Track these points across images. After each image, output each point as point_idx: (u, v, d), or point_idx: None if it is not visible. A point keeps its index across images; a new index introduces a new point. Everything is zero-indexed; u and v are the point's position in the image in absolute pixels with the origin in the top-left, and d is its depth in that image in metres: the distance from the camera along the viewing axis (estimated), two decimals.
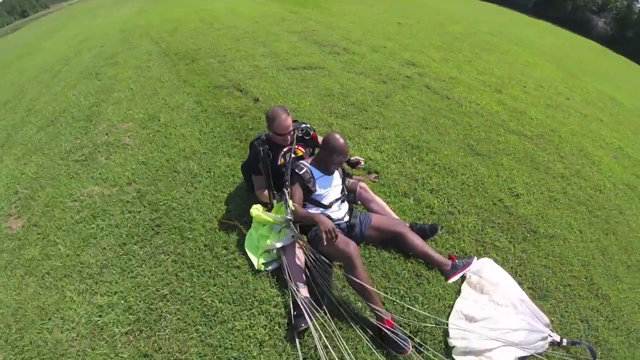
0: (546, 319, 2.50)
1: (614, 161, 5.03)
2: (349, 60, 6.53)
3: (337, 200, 2.63)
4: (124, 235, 2.77)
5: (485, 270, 2.64)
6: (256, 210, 2.52)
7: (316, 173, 2.59)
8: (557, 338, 2.44)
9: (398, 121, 4.56)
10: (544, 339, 2.38)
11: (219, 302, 2.34)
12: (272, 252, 2.50)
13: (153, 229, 2.82)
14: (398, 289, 2.49)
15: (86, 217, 2.94)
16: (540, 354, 2.33)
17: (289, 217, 2.36)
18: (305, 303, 2.16)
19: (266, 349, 2.14)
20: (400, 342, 2.09)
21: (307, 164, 2.59)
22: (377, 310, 2.17)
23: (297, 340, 2.13)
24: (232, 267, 2.55)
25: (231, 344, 2.15)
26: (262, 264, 2.49)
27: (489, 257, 2.81)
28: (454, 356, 2.19)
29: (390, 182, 3.42)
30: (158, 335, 2.19)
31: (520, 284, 2.68)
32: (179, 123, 4.33)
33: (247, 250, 2.56)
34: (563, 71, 9.95)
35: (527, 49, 11.43)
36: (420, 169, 3.66)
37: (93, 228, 2.85)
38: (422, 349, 2.17)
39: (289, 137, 2.62)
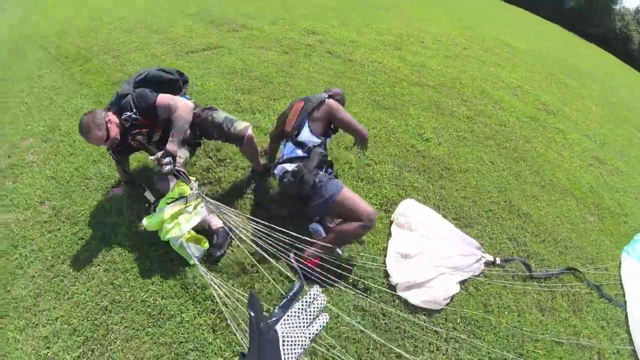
0: (476, 243, 3.14)
1: (514, 98, 6.24)
2: (249, 36, 7.23)
3: None
4: (49, 258, 3.03)
5: (409, 210, 3.20)
6: (156, 219, 2.75)
7: None
8: (491, 258, 3.10)
9: (305, 88, 5.22)
10: (478, 260, 3.00)
11: (162, 299, 2.65)
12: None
13: (77, 243, 3.10)
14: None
15: (7, 249, 3.17)
16: (478, 275, 2.93)
17: (196, 192, 2.74)
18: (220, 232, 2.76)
19: (220, 332, 2.46)
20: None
21: None
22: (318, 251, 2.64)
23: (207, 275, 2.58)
24: (166, 261, 2.85)
25: (185, 337, 2.46)
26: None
27: (410, 198, 3.37)
28: (398, 292, 2.65)
29: None
30: (110, 349, 2.43)
31: (444, 217, 3.30)
32: None
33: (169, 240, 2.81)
34: (459, 24, 11.67)
35: (422, 6, 13.14)
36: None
37: (17, 258, 3.08)
38: (368, 293, 2.65)
39: (109, 142, 2.80)
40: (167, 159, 2.60)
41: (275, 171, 2.87)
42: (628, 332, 2.97)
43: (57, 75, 6.38)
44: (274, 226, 2.52)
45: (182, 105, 2.79)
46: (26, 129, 4.84)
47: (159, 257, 2.85)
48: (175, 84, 3.16)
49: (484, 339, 2.60)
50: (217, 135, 3.00)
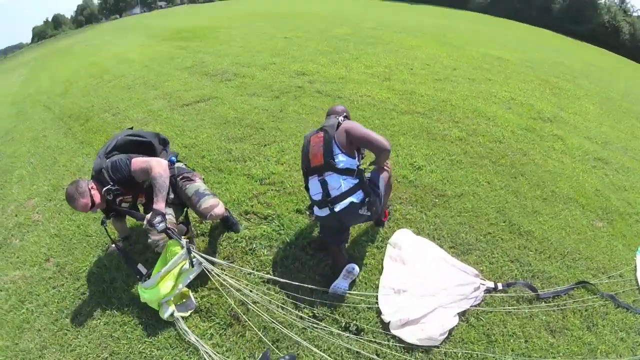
0: (474, 270, 3.01)
1: (508, 112, 6.17)
2: (241, 84, 7.51)
3: None
4: (54, 312, 3.16)
5: (402, 241, 3.12)
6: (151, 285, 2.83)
7: None
8: (491, 284, 2.95)
9: (295, 131, 5.30)
10: (477, 289, 2.86)
11: (157, 350, 2.71)
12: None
13: (79, 298, 3.24)
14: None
15: (15, 304, 3.33)
16: (478, 304, 2.77)
17: (189, 248, 2.81)
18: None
19: None
20: None
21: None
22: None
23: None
24: None
25: None
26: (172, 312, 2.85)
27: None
28: (392, 331, 2.53)
29: (296, 189, 3.96)
30: None
31: (440, 246, 3.18)
32: None
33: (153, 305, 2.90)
34: (446, 46, 11.70)
35: (410, 34, 13.28)
36: None
37: (24, 313, 3.23)
38: (361, 335, 2.57)
39: (95, 208, 2.89)
40: (157, 218, 2.63)
41: (337, 208, 2.74)
42: None
43: (61, 135, 6.71)
44: (268, 275, 2.50)
45: (156, 164, 2.80)
46: (32, 188, 5.12)
47: (154, 310, 2.91)
48: (150, 146, 3.17)
49: None
50: (189, 205, 3.07)
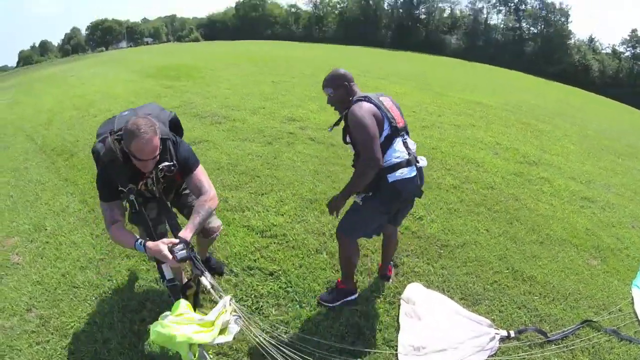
0: (487, 321, 3.03)
1: (495, 157, 6.38)
2: (232, 128, 7.39)
3: None
4: None
5: (416, 297, 3.13)
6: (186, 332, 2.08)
7: None
8: (505, 333, 2.98)
9: (292, 179, 5.25)
10: (492, 339, 2.88)
11: None
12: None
13: (68, 359, 2.82)
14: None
15: None
16: (495, 353, 2.79)
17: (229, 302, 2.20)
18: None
19: None
20: None
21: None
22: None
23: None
24: None
25: None
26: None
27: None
28: None
29: (300, 243, 3.88)
30: None
31: (451, 297, 3.21)
32: (67, 229, 4.39)
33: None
34: (429, 92, 12.15)
35: (393, 81, 13.77)
36: (324, 222, 4.23)
37: None
38: None
39: (150, 163, 2.26)
40: (180, 246, 2.21)
41: (421, 163, 2.75)
42: None
43: (43, 168, 6.26)
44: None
45: (214, 195, 2.43)
46: (11, 225, 4.63)
47: None
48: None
49: None
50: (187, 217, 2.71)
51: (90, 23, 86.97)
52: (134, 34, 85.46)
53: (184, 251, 2.20)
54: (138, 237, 2.29)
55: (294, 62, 17.92)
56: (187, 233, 2.24)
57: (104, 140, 2.34)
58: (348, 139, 2.70)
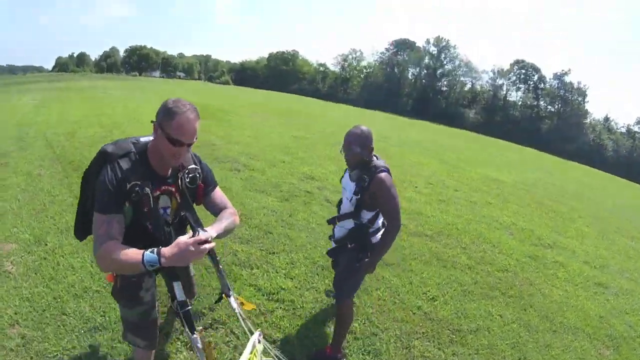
0: None
1: (510, 238, 6.32)
2: (250, 178, 7.28)
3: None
4: None
5: None
6: None
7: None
8: None
9: (305, 241, 5.05)
10: None
11: None
12: None
13: None
14: None
15: None
16: None
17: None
18: None
19: None
20: None
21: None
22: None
23: None
24: None
25: None
26: None
27: None
28: None
29: (307, 313, 3.69)
30: None
31: None
32: (67, 250, 4.13)
33: None
34: (446, 164, 12.28)
35: (411, 149, 13.99)
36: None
37: None
38: None
39: (179, 158, 1.89)
40: (203, 231, 1.78)
41: None
42: None
43: (56, 180, 6.04)
44: None
45: (236, 214, 2.20)
46: (11, 230, 4.41)
47: None
48: None
49: None
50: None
51: (130, 46, 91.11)
52: (168, 66, 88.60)
53: (209, 244, 1.72)
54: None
55: (317, 119, 18.37)
56: (211, 229, 1.88)
57: (114, 143, 1.97)
58: (352, 196, 2.78)
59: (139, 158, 1.90)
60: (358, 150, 2.68)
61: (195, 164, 2.10)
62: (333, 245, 3.14)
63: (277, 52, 73.92)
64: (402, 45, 65.90)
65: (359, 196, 2.71)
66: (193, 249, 1.64)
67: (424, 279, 4.59)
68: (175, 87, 30.71)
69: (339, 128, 15.61)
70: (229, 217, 2.08)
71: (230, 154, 8.69)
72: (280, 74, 68.90)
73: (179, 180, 2.03)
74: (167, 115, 1.79)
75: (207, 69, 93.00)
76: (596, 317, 4.56)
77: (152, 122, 1.87)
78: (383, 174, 2.66)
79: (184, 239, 1.67)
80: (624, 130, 53.56)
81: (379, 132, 17.58)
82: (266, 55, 75.98)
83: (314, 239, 5.17)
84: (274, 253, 4.65)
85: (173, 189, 2.01)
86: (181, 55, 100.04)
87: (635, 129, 52.80)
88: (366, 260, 2.80)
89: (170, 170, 1.99)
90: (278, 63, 71.75)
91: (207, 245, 1.69)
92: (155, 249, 1.67)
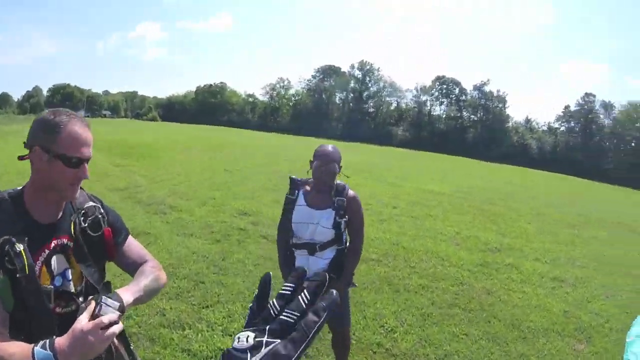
0: None
1: (458, 248, 6.31)
2: (177, 220, 6.65)
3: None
4: None
5: None
6: None
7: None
8: None
9: (242, 288, 4.54)
10: None
11: None
12: None
13: None
14: None
15: None
16: None
17: None
18: None
19: None
20: None
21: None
22: None
23: None
24: None
25: None
26: None
27: None
28: None
29: None
30: None
31: None
32: None
33: None
34: (382, 183, 12.40)
35: (344, 171, 13.87)
36: None
37: None
38: None
39: (80, 182, 1.40)
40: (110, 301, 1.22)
41: None
42: None
43: None
44: None
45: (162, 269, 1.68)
46: None
47: None
48: None
49: None
50: None
51: (53, 85, 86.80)
52: (93, 105, 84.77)
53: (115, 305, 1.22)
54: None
55: (249, 150, 18.17)
56: (125, 293, 1.34)
57: None
58: (333, 219, 2.59)
59: (12, 205, 1.35)
60: (338, 169, 2.59)
61: (94, 202, 1.56)
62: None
63: (205, 85, 74.37)
64: (328, 71, 69.05)
65: (346, 218, 2.59)
66: (92, 338, 1.10)
67: (378, 309, 4.24)
68: (100, 125, 29.80)
69: (272, 158, 15.53)
70: (150, 274, 1.56)
71: (156, 195, 8.09)
72: (209, 106, 69.15)
73: (72, 226, 1.46)
74: (50, 131, 1.32)
75: (133, 106, 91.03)
76: (560, 313, 4.55)
77: (20, 158, 1.38)
78: (352, 191, 2.65)
79: (81, 322, 1.13)
80: (545, 128, 58.87)
81: (312, 155, 17.66)
82: (194, 89, 76.17)
83: (252, 283, 4.67)
84: (207, 307, 4.12)
85: (68, 242, 1.43)
86: (106, 93, 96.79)
87: (556, 125, 58.32)
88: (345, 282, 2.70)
89: (60, 214, 1.43)
90: (206, 96, 72.11)
91: (113, 329, 1.16)
92: (48, 341, 1.11)
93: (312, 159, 2.62)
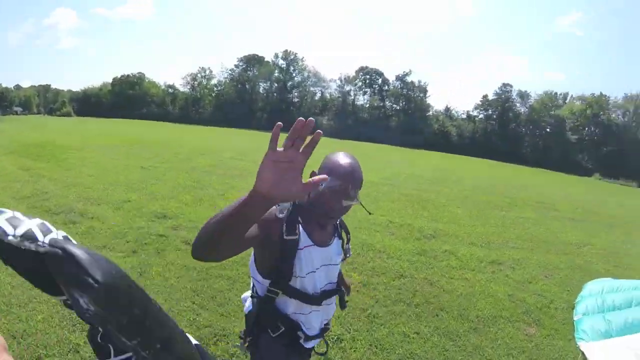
0: None
1: (393, 238, 6.17)
2: (88, 231, 5.75)
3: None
4: None
5: None
6: None
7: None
8: None
9: (166, 308, 3.78)
10: None
11: None
12: None
13: None
14: None
15: None
16: None
17: None
18: None
19: None
20: None
21: None
22: None
23: None
24: None
25: None
26: None
27: None
28: None
29: None
30: None
31: None
32: None
33: None
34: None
35: None
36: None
37: None
38: None
39: None
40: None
41: None
42: None
43: None
44: None
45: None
46: None
47: None
48: None
49: None
50: None
51: None
52: (4, 101, 75.50)
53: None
54: None
55: (168, 145, 16.98)
56: None
57: None
58: (343, 254, 1.83)
59: None
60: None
61: None
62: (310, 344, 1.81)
63: (122, 76, 69.05)
64: (252, 61, 67.64)
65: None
66: None
67: None
68: (8, 124, 26.75)
69: (192, 152, 14.73)
70: None
71: (65, 202, 7.09)
72: (127, 98, 64.41)
73: None
74: None
75: (46, 101, 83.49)
76: (505, 297, 4.56)
77: None
78: None
79: None
80: (464, 116, 62.43)
81: (237, 149, 17.01)
82: (110, 80, 70.49)
83: (175, 300, 3.98)
84: None
85: None
86: (18, 87, 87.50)
87: (475, 113, 62.07)
88: None
89: None
90: (124, 87, 67.03)
91: None
92: None
93: (317, 171, 1.59)
